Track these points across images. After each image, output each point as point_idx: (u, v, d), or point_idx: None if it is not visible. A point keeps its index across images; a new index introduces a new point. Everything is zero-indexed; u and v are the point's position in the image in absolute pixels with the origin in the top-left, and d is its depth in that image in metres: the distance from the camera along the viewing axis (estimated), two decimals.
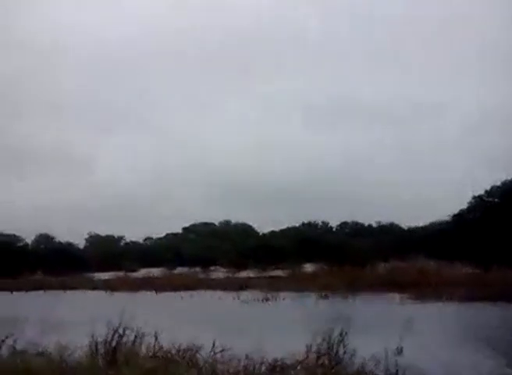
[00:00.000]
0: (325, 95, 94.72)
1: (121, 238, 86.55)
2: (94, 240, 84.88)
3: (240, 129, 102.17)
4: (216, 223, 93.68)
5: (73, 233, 75.38)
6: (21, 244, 68.01)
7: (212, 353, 12.31)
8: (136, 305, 30.28)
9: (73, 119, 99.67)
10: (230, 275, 54.97)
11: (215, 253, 71.96)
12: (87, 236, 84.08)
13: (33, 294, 45.35)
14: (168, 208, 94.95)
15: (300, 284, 38.20)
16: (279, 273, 51.91)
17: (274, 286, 38.57)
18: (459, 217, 45.98)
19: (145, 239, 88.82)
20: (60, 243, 69.81)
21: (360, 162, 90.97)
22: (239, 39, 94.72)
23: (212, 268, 66.73)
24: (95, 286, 48.20)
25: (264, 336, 15.14)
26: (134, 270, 68.25)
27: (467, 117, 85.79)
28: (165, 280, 47.44)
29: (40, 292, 46.73)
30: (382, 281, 34.55)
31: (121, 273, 57.03)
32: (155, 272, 62.24)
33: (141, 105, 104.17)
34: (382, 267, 41.99)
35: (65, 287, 48.10)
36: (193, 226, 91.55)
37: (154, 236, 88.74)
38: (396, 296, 29.87)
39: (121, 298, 38.75)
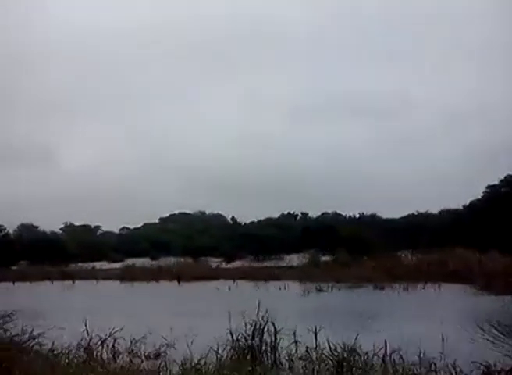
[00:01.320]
0: (309, 89, 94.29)
1: (98, 228, 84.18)
2: (69, 229, 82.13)
3: (221, 122, 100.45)
4: (191, 213, 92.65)
5: (46, 223, 73.82)
6: (2, 234, 64.95)
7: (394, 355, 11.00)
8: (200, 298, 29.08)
9: (52, 111, 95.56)
10: (237, 265, 53.89)
11: (201, 243, 70.81)
12: (62, 226, 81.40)
13: (43, 284, 43.33)
14: (141, 198, 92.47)
15: (330, 275, 37.23)
16: (292, 262, 51.22)
17: (304, 276, 37.88)
18: (474, 207, 46.33)
19: (121, 229, 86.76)
20: (44, 232, 67.08)
21: (342, 156, 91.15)
22: (226, 34, 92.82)
23: (203, 258, 65.31)
24: (106, 276, 46.28)
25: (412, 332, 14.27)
26: (120, 260, 66.47)
27: (453, 110, 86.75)
28: (177, 270, 45.89)
29: (47, 282, 44.73)
30: (427, 271, 34.19)
31: (129, 263, 55.06)
32: (142, 262, 60.45)
33: (121, 97, 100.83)
34: (411, 257, 41.75)
35: (71, 277, 46.07)
36: (171, 216, 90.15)
37: (130, 226, 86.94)
38: (457, 287, 29.31)
39: (160, 288, 37.56)
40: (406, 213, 74.34)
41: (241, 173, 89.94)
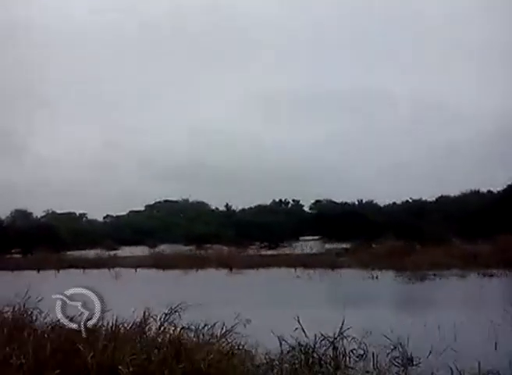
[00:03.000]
0: (309, 89, 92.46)
1: (83, 215, 79.88)
2: (52, 217, 77.54)
3: (220, 122, 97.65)
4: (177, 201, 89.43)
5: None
6: None
7: None
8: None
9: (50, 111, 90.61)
10: (275, 252, 51.23)
11: (200, 230, 68.04)
12: (43, 213, 76.73)
13: (74, 273, 39.64)
14: (120, 186, 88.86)
15: (399, 262, 35.23)
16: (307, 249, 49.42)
17: (368, 264, 35.82)
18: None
19: (105, 217, 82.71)
20: (39, 219, 62.62)
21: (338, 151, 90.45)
22: (225, 33, 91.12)
23: (208, 245, 62.51)
24: (136, 264, 42.80)
25: None
26: (115, 248, 63.09)
27: (453, 110, 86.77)
28: (217, 258, 43.12)
29: (73, 270, 41.09)
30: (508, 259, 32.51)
31: (151, 250, 51.77)
32: (140, 250, 57.41)
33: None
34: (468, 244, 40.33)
35: (98, 265, 42.53)
36: (156, 203, 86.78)
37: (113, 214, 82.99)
38: None
39: (228, 277, 34.70)
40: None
41: (232, 166, 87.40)
